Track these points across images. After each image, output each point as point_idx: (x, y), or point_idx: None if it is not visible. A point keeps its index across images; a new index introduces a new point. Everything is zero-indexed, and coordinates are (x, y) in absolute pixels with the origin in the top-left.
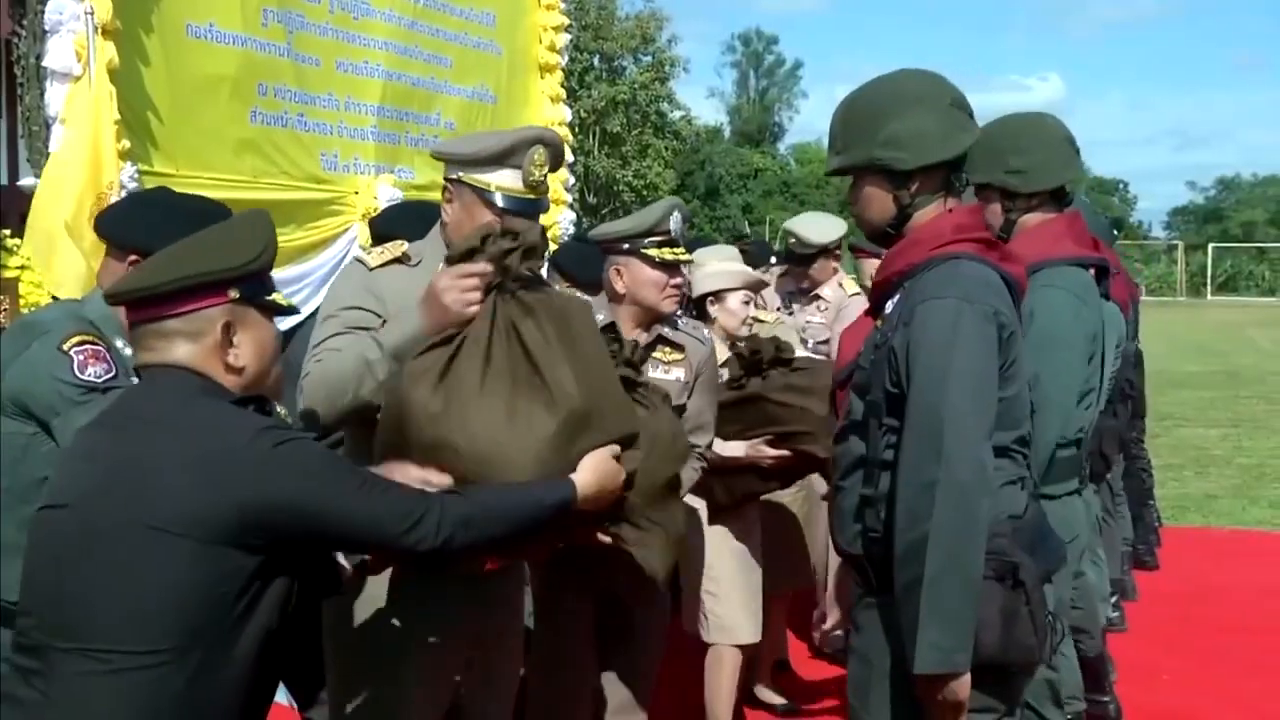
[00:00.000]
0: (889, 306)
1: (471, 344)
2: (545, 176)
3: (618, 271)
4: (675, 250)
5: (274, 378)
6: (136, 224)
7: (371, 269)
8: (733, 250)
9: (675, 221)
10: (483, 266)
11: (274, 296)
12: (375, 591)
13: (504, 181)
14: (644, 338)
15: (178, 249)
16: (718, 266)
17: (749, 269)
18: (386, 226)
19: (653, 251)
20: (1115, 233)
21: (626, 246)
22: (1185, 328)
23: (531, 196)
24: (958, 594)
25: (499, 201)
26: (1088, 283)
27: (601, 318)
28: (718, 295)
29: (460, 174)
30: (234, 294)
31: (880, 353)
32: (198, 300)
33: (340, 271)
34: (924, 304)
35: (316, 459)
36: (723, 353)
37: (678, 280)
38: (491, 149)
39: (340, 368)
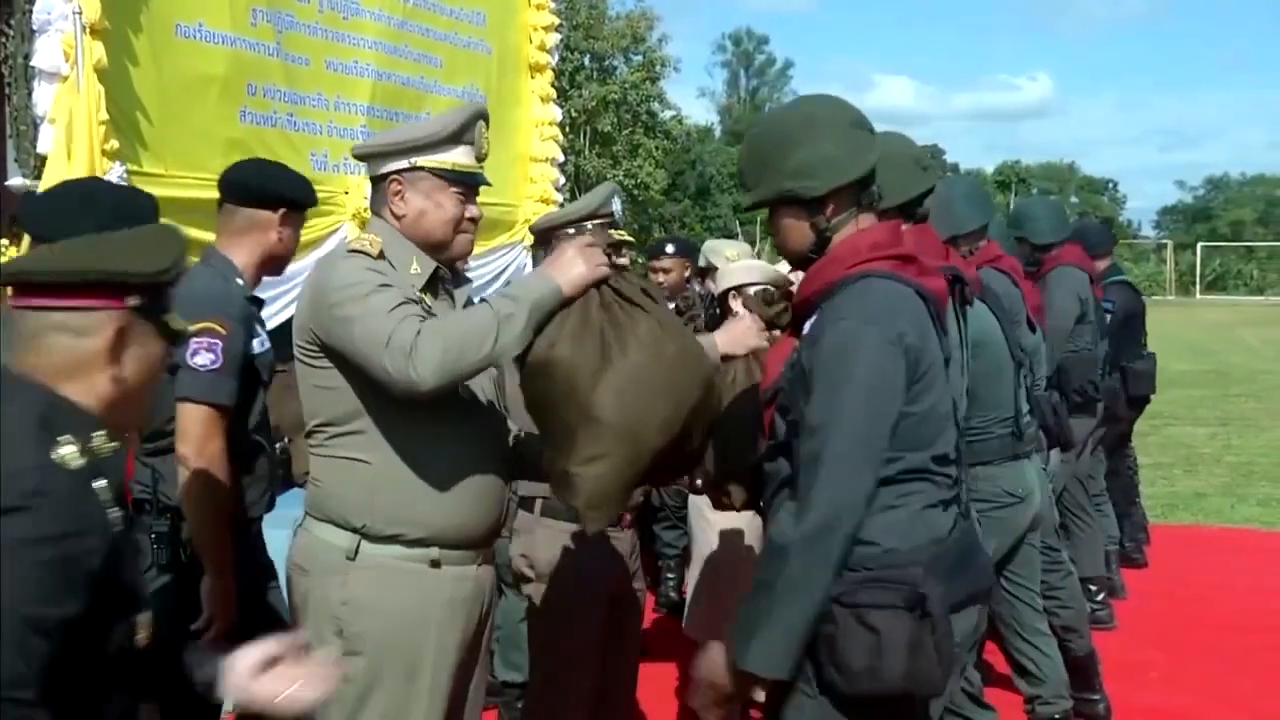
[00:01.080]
0: (807, 326)
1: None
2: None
3: None
4: (617, 232)
5: (142, 404)
6: (49, 215)
7: (375, 258)
8: (745, 246)
9: (617, 204)
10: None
11: (169, 318)
12: (388, 604)
13: (460, 159)
14: None
15: (85, 241)
16: (743, 262)
17: (771, 265)
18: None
19: None
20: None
21: (572, 230)
22: (1174, 327)
23: (480, 170)
24: (799, 612)
25: (462, 179)
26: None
27: None
28: (740, 290)
29: (416, 159)
30: (133, 301)
31: (795, 371)
32: (93, 297)
33: (344, 260)
34: (830, 325)
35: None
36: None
37: (622, 262)
38: (450, 127)
39: (470, 323)
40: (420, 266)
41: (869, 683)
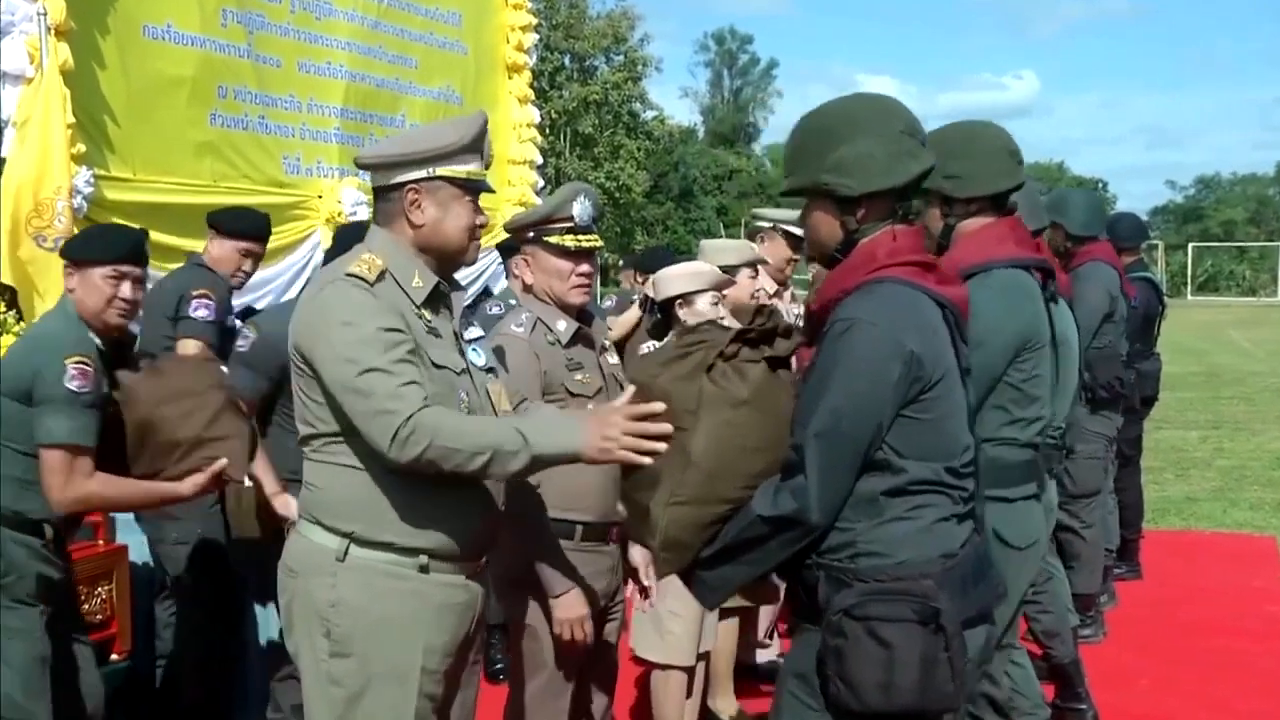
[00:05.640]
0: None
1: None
2: None
3: (525, 262)
4: (580, 237)
5: None
6: None
7: (372, 284)
8: (746, 246)
9: (580, 207)
10: (660, 425)
11: None
12: (377, 606)
13: (473, 167)
14: (570, 325)
15: None
16: (682, 268)
17: (715, 268)
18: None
19: (555, 239)
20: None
21: (531, 235)
22: (1166, 328)
23: (487, 177)
24: (744, 573)
25: (476, 187)
26: (1021, 284)
27: (525, 317)
28: (685, 298)
29: (435, 169)
30: None
31: (809, 375)
32: None
33: (340, 289)
34: (833, 326)
35: None
36: None
37: (584, 269)
38: (468, 136)
39: (471, 436)
40: (422, 280)
41: (880, 699)
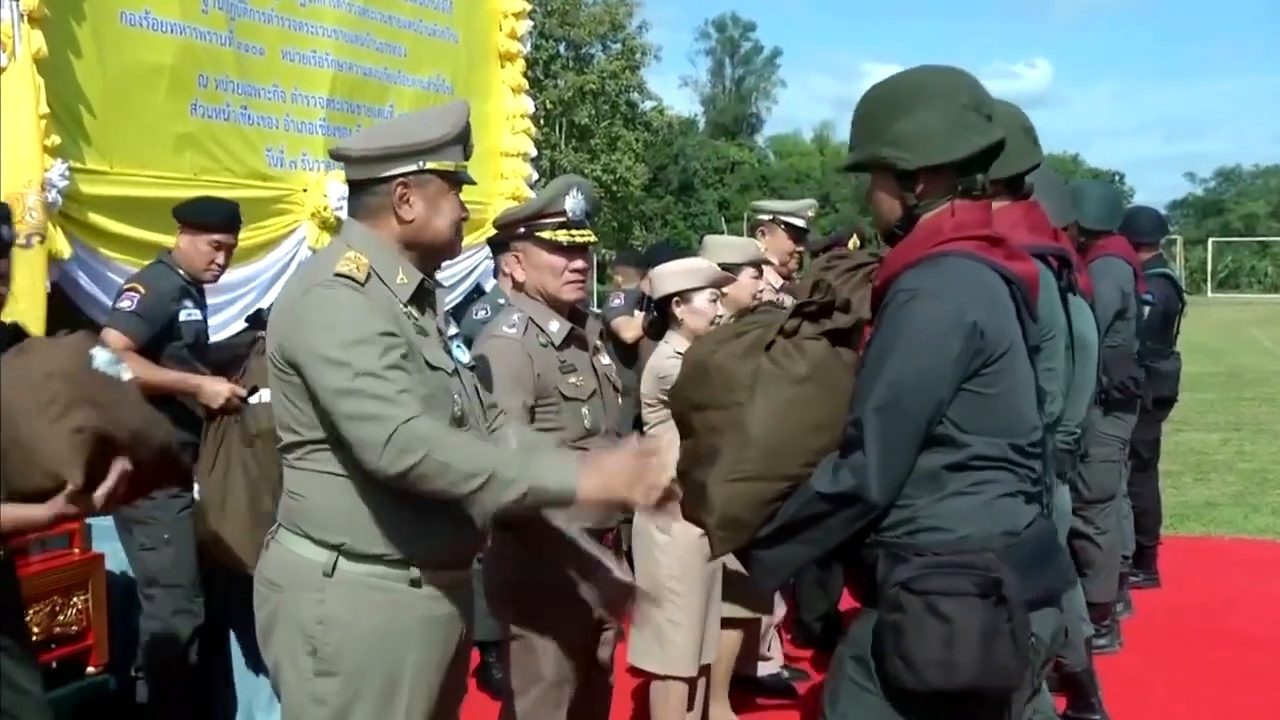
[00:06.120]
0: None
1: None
2: None
3: (516, 258)
4: (573, 232)
5: None
6: None
7: (363, 284)
8: (750, 243)
9: (573, 201)
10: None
11: None
12: (366, 621)
13: (459, 159)
14: (562, 326)
15: None
16: (678, 265)
17: (712, 265)
18: None
19: (547, 234)
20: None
21: (522, 230)
22: (1185, 326)
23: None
24: (803, 553)
25: (462, 180)
26: None
27: (517, 318)
28: (683, 296)
29: (425, 163)
30: None
31: (868, 351)
32: None
33: (330, 290)
34: (893, 298)
35: None
36: None
37: (578, 264)
38: (457, 128)
39: (467, 458)
40: (407, 277)
41: (940, 677)
